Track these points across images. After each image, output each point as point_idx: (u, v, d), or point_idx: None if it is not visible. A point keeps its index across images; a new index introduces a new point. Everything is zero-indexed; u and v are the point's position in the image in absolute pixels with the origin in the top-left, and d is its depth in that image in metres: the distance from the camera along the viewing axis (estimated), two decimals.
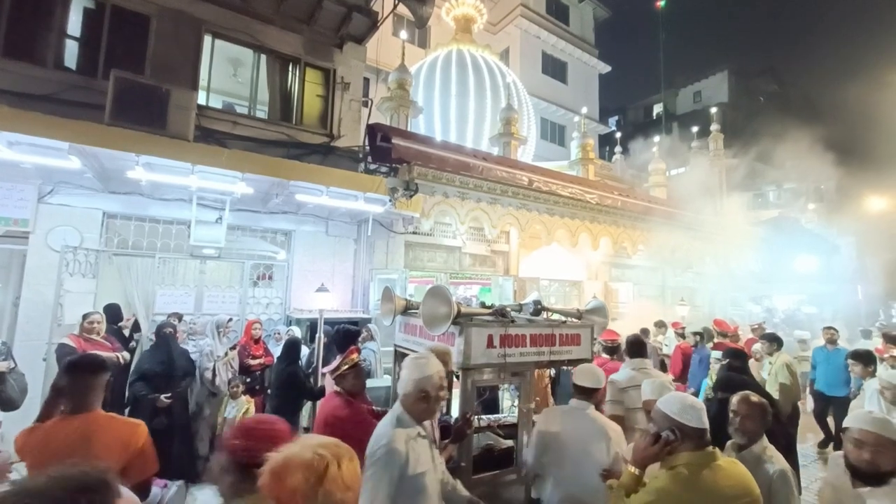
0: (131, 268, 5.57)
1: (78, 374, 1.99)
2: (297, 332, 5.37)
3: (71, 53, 5.76)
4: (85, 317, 4.03)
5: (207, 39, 6.46)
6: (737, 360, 3.90)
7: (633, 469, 1.84)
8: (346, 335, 3.72)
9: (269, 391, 4.75)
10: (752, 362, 5.07)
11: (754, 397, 2.27)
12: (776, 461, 2.09)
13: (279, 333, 5.55)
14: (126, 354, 4.17)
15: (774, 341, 5.43)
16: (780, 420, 3.58)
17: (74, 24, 5.78)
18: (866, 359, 4.41)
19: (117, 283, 5.50)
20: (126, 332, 4.89)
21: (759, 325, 7.34)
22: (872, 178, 12.90)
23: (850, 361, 4.52)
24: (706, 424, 1.78)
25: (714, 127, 14.08)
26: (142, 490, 1.97)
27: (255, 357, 5.10)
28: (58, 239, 5.10)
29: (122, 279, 5.50)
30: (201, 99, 6.25)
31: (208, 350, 4.60)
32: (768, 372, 5.24)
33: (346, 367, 2.80)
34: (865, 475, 1.78)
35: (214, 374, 4.53)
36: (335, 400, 2.73)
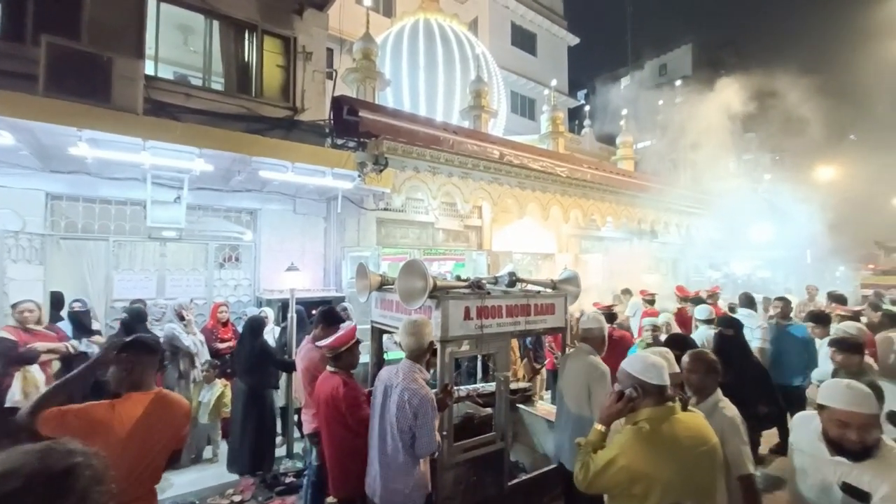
0: (83, 252, 5.23)
1: (138, 353, 2.00)
2: (270, 312, 5.24)
3: None
4: (14, 306, 3.69)
5: (151, 3, 5.93)
6: (729, 329, 3.93)
7: (599, 427, 1.91)
8: (329, 314, 3.69)
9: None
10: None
11: (701, 354, 2.43)
12: (727, 410, 2.21)
13: (246, 315, 5.41)
14: (76, 343, 3.92)
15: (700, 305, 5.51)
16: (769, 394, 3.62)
17: None
18: (824, 320, 4.51)
19: (68, 269, 5.15)
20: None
21: (712, 289, 7.66)
22: (823, 148, 13.62)
23: (809, 325, 4.60)
24: (667, 381, 1.86)
25: (678, 100, 14.34)
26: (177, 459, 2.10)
27: (223, 340, 4.97)
28: None
29: (74, 265, 5.16)
30: (150, 69, 5.77)
31: (171, 335, 4.43)
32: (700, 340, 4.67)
33: (351, 343, 2.82)
34: (849, 452, 1.71)
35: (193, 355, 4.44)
36: (335, 379, 2.72)
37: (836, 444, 1.75)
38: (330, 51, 10.94)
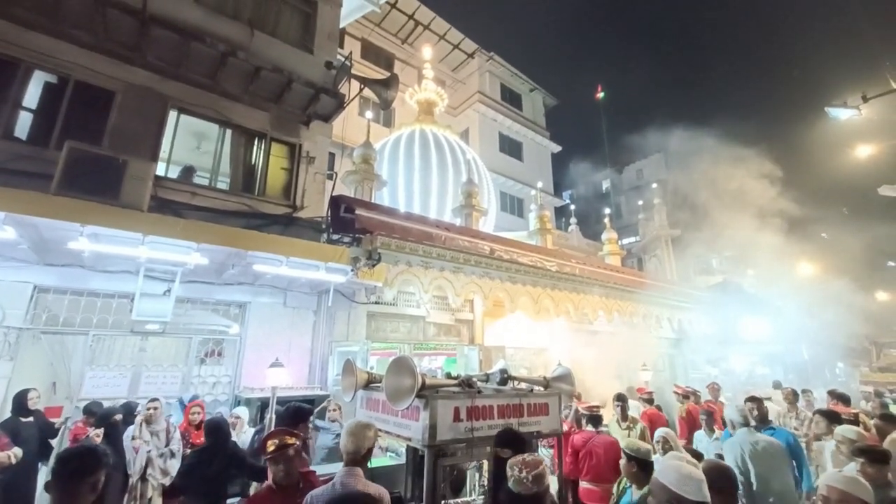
0: (61, 347, 5.03)
1: (60, 482, 1.71)
2: (244, 412, 4.89)
3: (23, 125, 5.62)
4: None
5: (173, 114, 6.54)
6: (507, 450, 2.63)
7: None
8: (296, 413, 3.32)
9: None
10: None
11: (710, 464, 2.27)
12: None
13: (222, 416, 5.04)
14: (18, 451, 3.58)
15: (619, 401, 5.33)
16: None
17: (32, 95, 5.72)
18: (835, 418, 4.18)
19: (41, 365, 4.90)
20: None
21: (712, 384, 7.48)
22: (804, 244, 14.30)
23: (817, 418, 4.36)
24: (707, 497, 1.69)
25: (656, 201, 15.37)
26: None
27: (194, 446, 4.55)
28: None
29: (49, 360, 4.93)
30: (161, 170, 6.15)
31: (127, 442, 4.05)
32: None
33: (272, 449, 2.41)
34: None
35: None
36: (262, 494, 2.46)
37: None
38: (332, 155, 11.86)
